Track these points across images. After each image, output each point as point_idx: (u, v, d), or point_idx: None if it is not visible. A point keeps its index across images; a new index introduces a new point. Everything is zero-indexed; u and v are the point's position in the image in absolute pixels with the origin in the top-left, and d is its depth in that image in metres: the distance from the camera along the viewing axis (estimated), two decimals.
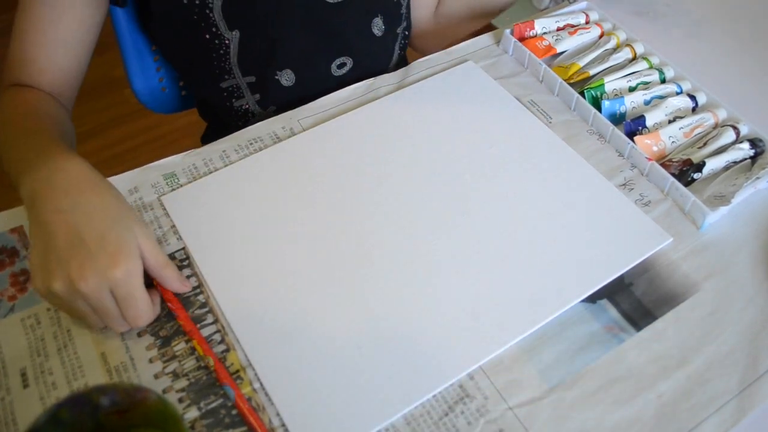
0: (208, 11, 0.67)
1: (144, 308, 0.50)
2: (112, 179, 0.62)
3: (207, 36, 0.69)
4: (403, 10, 0.79)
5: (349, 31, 0.74)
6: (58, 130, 0.61)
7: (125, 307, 0.49)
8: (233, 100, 0.76)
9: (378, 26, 0.77)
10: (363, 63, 0.78)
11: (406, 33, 0.84)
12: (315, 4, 0.70)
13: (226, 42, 0.70)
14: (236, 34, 0.69)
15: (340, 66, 0.77)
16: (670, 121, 0.68)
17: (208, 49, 0.70)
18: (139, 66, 0.84)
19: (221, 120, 0.77)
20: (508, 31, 0.76)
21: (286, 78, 0.74)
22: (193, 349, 0.52)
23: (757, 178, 0.62)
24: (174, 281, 0.53)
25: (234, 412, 0.49)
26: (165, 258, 0.52)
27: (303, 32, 0.72)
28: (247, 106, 0.76)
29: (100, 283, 0.47)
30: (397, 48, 0.83)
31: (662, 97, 0.70)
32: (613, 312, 0.56)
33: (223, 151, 0.65)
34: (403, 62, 0.86)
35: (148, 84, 0.86)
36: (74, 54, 0.67)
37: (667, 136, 0.67)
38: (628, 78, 0.72)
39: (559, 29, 0.78)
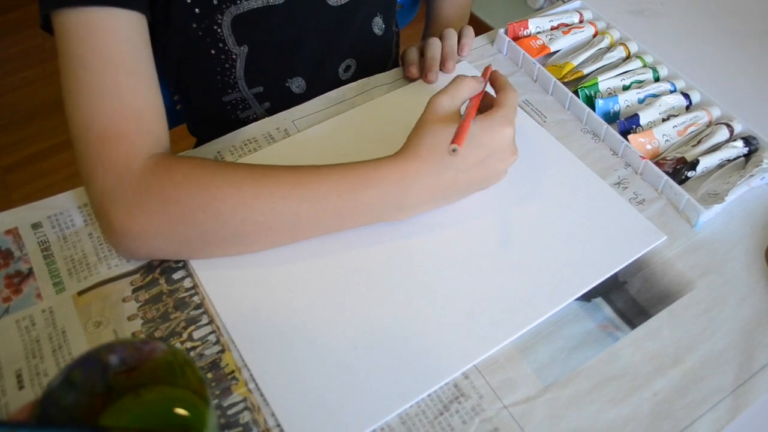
0: (216, 27, 0.66)
1: None
2: None
3: (213, 51, 0.69)
4: (397, 8, 0.80)
5: (352, 33, 0.75)
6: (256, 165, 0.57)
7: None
8: (238, 112, 0.76)
9: (378, 25, 0.77)
10: (366, 64, 0.79)
11: (398, 30, 0.85)
12: (322, 8, 0.70)
13: (233, 57, 0.69)
14: (244, 49, 0.69)
15: (346, 69, 0.78)
16: (664, 120, 0.68)
17: (212, 64, 0.70)
18: None
19: (220, 133, 0.76)
20: (502, 30, 0.77)
21: (297, 85, 0.75)
22: (189, 350, 0.52)
23: (751, 175, 0.63)
24: None
25: (229, 412, 0.49)
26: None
27: (313, 38, 0.73)
28: (255, 116, 0.77)
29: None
30: (393, 46, 0.83)
31: (656, 96, 0.70)
32: (607, 310, 0.56)
33: (218, 152, 0.65)
34: (397, 61, 0.86)
35: None
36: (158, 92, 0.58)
37: (661, 135, 0.67)
38: (622, 77, 0.72)
39: (553, 28, 0.78)
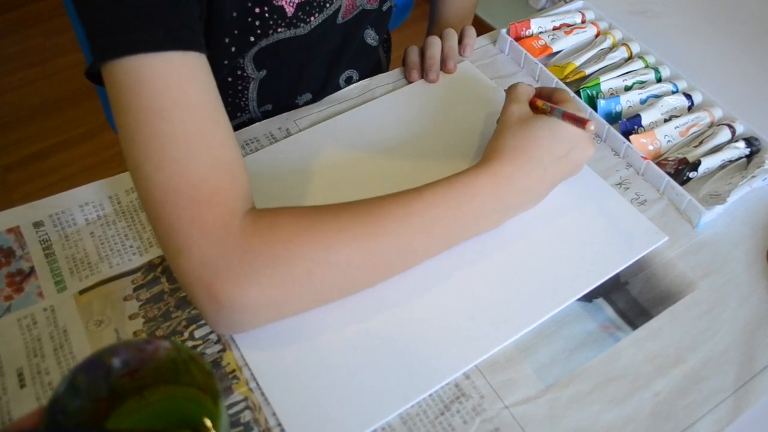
0: (240, 59, 0.66)
1: None
2: (110, 180, 0.62)
3: (230, 79, 0.68)
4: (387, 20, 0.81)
5: (350, 46, 0.75)
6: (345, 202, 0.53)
7: None
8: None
9: (371, 36, 0.78)
10: (365, 75, 0.80)
11: (388, 36, 0.87)
12: (332, 28, 0.70)
13: (249, 81, 0.69)
14: (262, 73, 0.69)
15: (348, 80, 0.78)
16: (665, 120, 0.68)
17: (226, 90, 0.69)
18: None
19: None
20: (504, 30, 0.77)
21: (305, 101, 0.75)
22: (192, 349, 0.52)
23: (753, 176, 0.62)
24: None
25: (230, 411, 0.49)
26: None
27: (323, 56, 0.73)
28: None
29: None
30: (385, 52, 0.85)
31: (658, 96, 0.70)
32: (609, 311, 0.56)
33: None
34: (388, 65, 0.88)
35: None
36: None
37: (662, 135, 0.67)
38: (624, 77, 0.72)
39: (555, 29, 0.78)
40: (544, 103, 0.59)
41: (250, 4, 0.60)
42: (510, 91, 0.61)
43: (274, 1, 0.61)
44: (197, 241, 0.46)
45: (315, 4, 0.64)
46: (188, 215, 0.46)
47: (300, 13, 0.64)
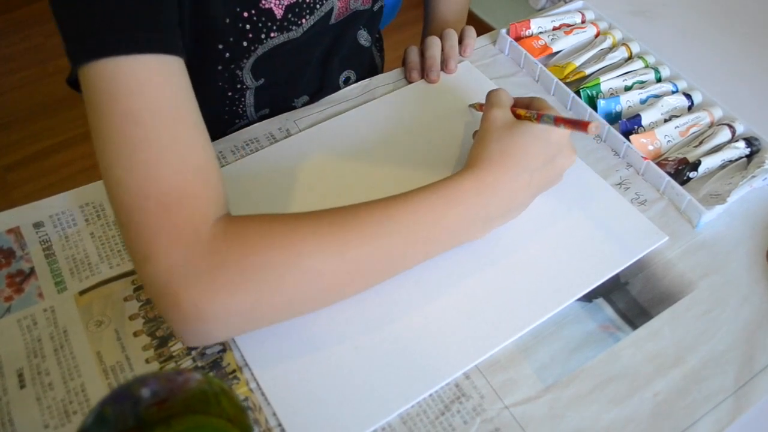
0: (238, 71, 0.66)
1: None
2: None
3: (230, 93, 0.69)
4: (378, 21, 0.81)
5: (343, 47, 0.75)
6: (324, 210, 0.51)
7: None
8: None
9: (364, 37, 0.78)
10: (361, 75, 0.80)
11: (379, 36, 0.87)
12: (325, 29, 0.70)
13: (246, 90, 0.69)
14: (260, 81, 0.69)
15: (346, 80, 0.79)
16: (665, 120, 0.68)
17: (222, 101, 0.69)
18: None
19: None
20: (503, 30, 0.77)
21: (302, 103, 0.75)
22: (190, 349, 0.52)
23: (753, 176, 0.62)
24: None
25: None
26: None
27: (318, 58, 0.73)
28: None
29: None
30: (378, 52, 0.86)
31: (658, 96, 0.70)
32: (608, 311, 0.56)
33: (220, 152, 0.65)
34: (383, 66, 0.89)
35: None
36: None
37: (662, 135, 0.67)
38: (624, 77, 0.72)
39: (554, 29, 0.78)
40: (527, 111, 0.57)
41: (239, 9, 0.60)
42: (491, 96, 0.59)
43: (262, 4, 0.61)
44: (164, 247, 0.45)
45: (305, 5, 0.64)
46: (156, 221, 0.45)
47: (290, 16, 0.63)
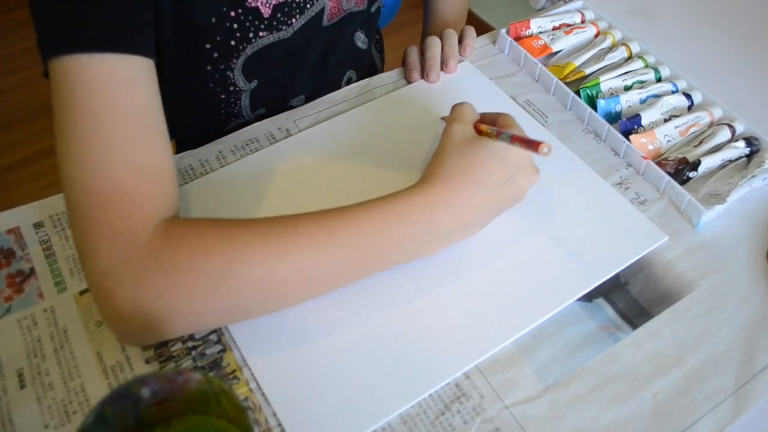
0: (229, 72, 0.66)
1: None
2: None
3: (223, 96, 0.69)
4: (376, 22, 0.81)
5: (338, 49, 0.75)
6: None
7: None
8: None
9: (361, 39, 0.78)
10: (361, 76, 0.80)
11: (378, 37, 0.87)
12: (318, 31, 0.70)
13: (240, 93, 0.69)
14: (253, 84, 0.69)
15: (348, 81, 0.79)
16: (665, 120, 0.68)
17: (218, 103, 0.69)
18: None
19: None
20: (503, 30, 0.77)
21: (297, 102, 0.75)
22: (190, 349, 0.52)
23: (753, 176, 0.63)
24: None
25: None
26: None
27: (312, 60, 0.73)
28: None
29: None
30: (377, 52, 0.86)
31: (658, 96, 0.70)
32: (609, 311, 0.56)
33: (219, 152, 0.65)
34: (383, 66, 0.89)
35: None
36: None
37: (662, 135, 0.67)
38: (624, 77, 0.72)
39: (554, 28, 0.78)
40: (488, 127, 0.55)
41: (225, 8, 0.60)
42: (454, 110, 0.58)
43: (248, 3, 0.61)
44: (105, 246, 0.46)
45: (294, 5, 0.64)
46: (98, 219, 0.46)
47: (279, 15, 0.63)
